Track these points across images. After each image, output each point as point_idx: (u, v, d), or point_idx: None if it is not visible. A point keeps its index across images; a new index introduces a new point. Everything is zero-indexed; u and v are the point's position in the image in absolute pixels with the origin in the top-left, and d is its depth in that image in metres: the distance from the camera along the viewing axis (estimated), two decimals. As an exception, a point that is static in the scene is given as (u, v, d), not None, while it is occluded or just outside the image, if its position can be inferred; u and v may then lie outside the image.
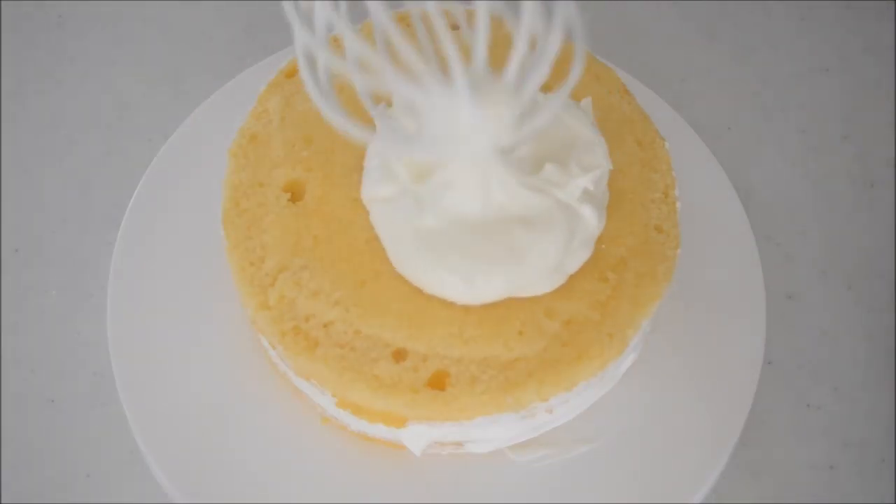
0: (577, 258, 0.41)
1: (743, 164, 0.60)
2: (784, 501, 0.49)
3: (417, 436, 0.41)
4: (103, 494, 0.47)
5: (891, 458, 0.50)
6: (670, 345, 0.47)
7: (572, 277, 0.41)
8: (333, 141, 0.45)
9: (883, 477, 0.50)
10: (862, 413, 0.51)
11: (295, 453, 0.43)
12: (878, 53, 0.67)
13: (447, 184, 0.40)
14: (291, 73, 0.48)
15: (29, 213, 0.56)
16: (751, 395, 0.46)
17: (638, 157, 0.45)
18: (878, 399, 0.52)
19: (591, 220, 0.41)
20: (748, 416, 0.45)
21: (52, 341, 0.51)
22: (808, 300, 0.55)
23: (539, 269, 0.40)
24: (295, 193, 0.44)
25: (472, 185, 0.40)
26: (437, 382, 0.39)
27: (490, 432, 0.42)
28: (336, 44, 0.49)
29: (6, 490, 0.47)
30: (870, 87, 0.65)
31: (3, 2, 0.66)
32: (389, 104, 0.42)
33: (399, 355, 0.40)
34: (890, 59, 0.66)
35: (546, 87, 0.47)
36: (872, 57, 0.67)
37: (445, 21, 0.49)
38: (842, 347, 0.54)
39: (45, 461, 0.48)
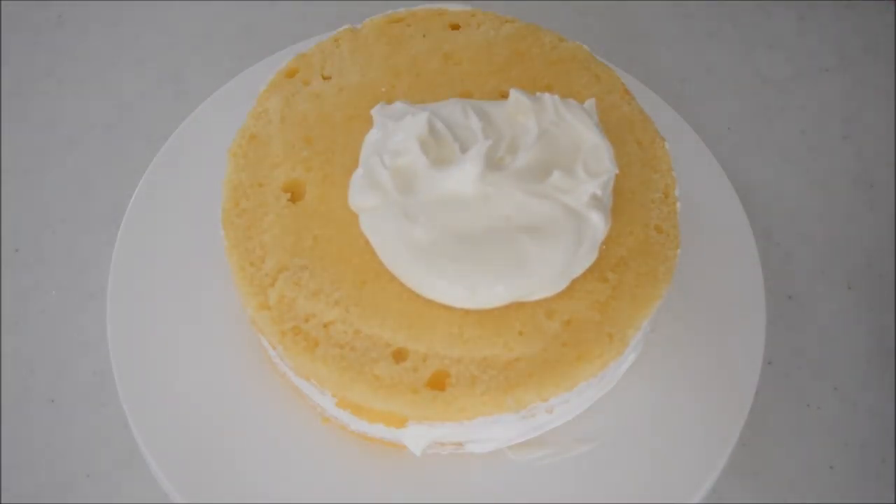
0: (584, 263, 0.41)
1: (743, 164, 0.60)
2: (784, 501, 0.49)
3: (417, 436, 0.41)
4: (103, 494, 0.47)
5: (891, 458, 0.50)
6: (670, 345, 0.47)
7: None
8: (333, 141, 0.45)
9: (883, 477, 0.50)
10: (862, 413, 0.51)
11: (295, 453, 0.43)
12: (878, 53, 0.67)
13: (443, 199, 0.40)
14: (291, 73, 0.48)
15: (29, 213, 0.56)
16: (751, 395, 0.46)
17: (638, 157, 0.45)
18: (878, 399, 0.52)
19: (598, 226, 0.41)
20: (748, 416, 0.45)
21: (52, 341, 0.51)
22: (808, 300, 0.55)
23: (545, 276, 0.40)
24: (295, 193, 0.44)
25: (473, 200, 0.40)
26: (437, 383, 0.39)
27: (490, 432, 0.42)
28: (337, 43, 0.49)
29: (6, 490, 0.47)
30: (870, 87, 0.65)
31: (3, 2, 0.66)
32: None
33: (399, 355, 0.40)
34: (890, 59, 0.66)
35: (547, 87, 0.48)
36: (872, 57, 0.67)
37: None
38: (842, 347, 0.54)
39: (45, 461, 0.48)
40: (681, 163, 0.47)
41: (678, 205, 0.45)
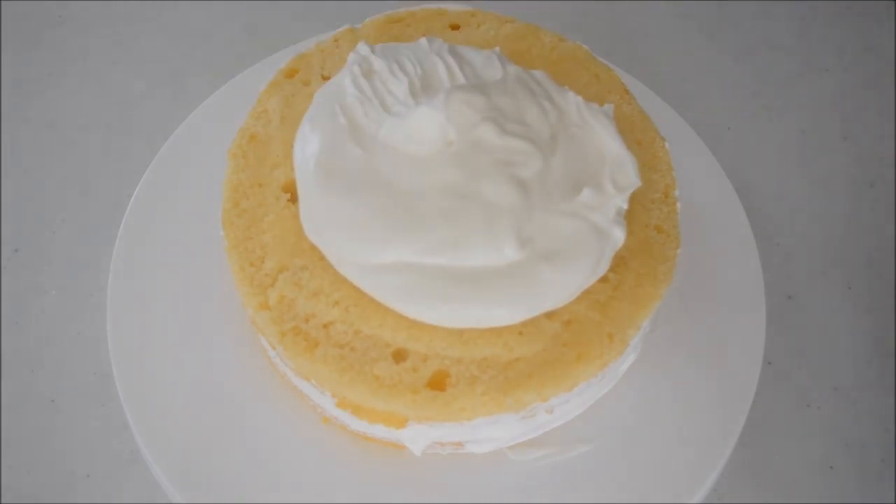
0: (598, 275, 0.41)
1: (743, 164, 0.60)
2: (784, 501, 0.49)
3: (417, 436, 0.41)
4: (103, 494, 0.47)
5: (891, 458, 0.50)
6: (670, 345, 0.47)
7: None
8: (333, 141, 0.45)
9: (883, 477, 0.50)
10: (862, 413, 0.51)
11: (295, 453, 0.43)
12: (878, 53, 0.67)
13: (457, 241, 0.39)
14: (291, 73, 0.48)
15: (29, 213, 0.56)
16: (751, 395, 0.46)
17: (638, 157, 0.45)
18: (878, 399, 0.52)
19: (619, 240, 0.41)
20: (748, 416, 0.45)
21: (52, 341, 0.51)
22: (808, 300, 0.55)
23: (560, 299, 0.40)
24: (295, 193, 0.44)
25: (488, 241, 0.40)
26: (437, 383, 0.39)
27: (490, 432, 0.42)
28: (337, 43, 0.49)
29: (6, 490, 0.47)
30: (870, 87, 0.65)
31: (3, 1, 0.66)
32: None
33: (399, 355, 0.40)
34: (890, 59, 0.66)
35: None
36: (872, 57, 0.67)
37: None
38: (842, 347, 0.54)
39: (45, 461, 0.48)
40: (681, 163, 0.47)
41: (678, 205, 0.45)
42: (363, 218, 0.40)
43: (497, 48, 0.47)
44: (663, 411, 0.45)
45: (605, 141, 0.43)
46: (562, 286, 0.39)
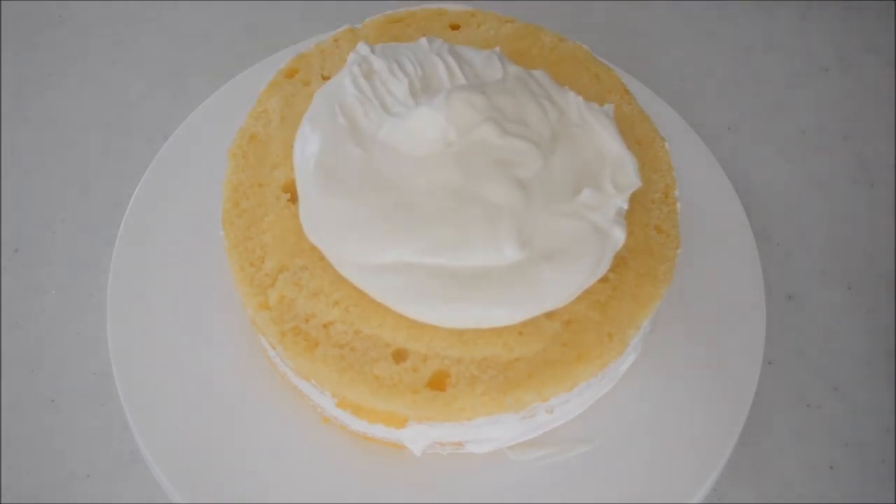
0: (598, 276, 0.41)
1: (743, 164, 0.60)
2: (784, 501, 0.49)
3: (417, 436, 0.41)
4: (103, 494, 0.47)
5: (891, 458, 0.50)
6: (670, 345, 0.47)
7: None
8: (333, 141, 0.45)
9: (883, 477, 0.50)
10: (862, 413, 0.51)
11: (295, 453, 0.43)
12: (878, 53, 0.67)
13: (458, 241, 0.39)
14: (291, 73, 0.48)
15: (29, 213, 0.56)
16: (751, 395, 0.46)
17: (638, 157, 0.45)
18: (878, 399, 0.52)
19: (619, 240, 0.41)
20: (748, 416, 0.45)
21: (52, 341, 0.51)
22: (808, 300, 0.55)
23: (560, 299, 0.40)
24: (294, 193, 0.44)
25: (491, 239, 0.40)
26: (437, 383, 0.39)
27: (490, 432, 0.42)
28: (337, 43, 0.49)
29: (6, 490, 0.47)
30: (870, 87, 0.65)
31: (3, 1, 0.66)
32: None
33: (399, 355, 0.40)
34: (890, 59, 0.66)
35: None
36: (872, 57, 0.67)
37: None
38: (842, 347, 0.54)
39: (45, 461, 0.48)
40: (681, 163, 0.47)
41: (678, 205, 0.45)
42: (363, 218, 0.40)
43: (497, 48, 0.47)
44: (663, 411, 0.45)
45: (606, 141, 0.43)
46: (562, 286, 0.40)
